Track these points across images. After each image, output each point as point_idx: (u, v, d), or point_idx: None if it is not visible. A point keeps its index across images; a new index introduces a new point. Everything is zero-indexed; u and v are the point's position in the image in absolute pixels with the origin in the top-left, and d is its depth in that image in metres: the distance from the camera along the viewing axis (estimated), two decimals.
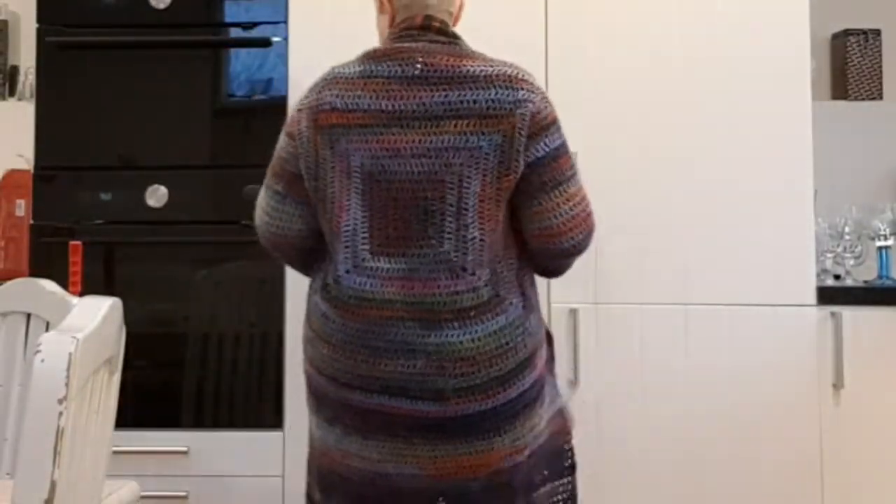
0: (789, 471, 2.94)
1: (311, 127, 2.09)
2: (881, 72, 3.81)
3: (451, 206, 2.03)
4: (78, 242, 3.01)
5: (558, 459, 2.22)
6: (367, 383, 2.02)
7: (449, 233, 2.03)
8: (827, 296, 3.00)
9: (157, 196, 3.04)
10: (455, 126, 2.03)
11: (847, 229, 3.19)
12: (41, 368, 1.35)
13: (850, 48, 3.82)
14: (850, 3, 3.84)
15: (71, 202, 3.05)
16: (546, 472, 2.18)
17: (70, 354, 1.36)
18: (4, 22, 3.84)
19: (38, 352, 1.36)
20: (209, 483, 2.96)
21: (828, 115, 3.54)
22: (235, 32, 3.14)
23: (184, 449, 2.96)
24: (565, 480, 2.24)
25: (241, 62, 3.12)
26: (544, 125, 2.10)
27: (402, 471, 2.04)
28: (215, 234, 3.03)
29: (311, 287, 2.17)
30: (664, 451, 2.96)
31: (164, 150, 3.07)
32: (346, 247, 2.04)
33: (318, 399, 2.12)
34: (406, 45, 2.12)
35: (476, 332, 2.02)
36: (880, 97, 3.81)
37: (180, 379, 3.01)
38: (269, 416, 2.99)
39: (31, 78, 3.59)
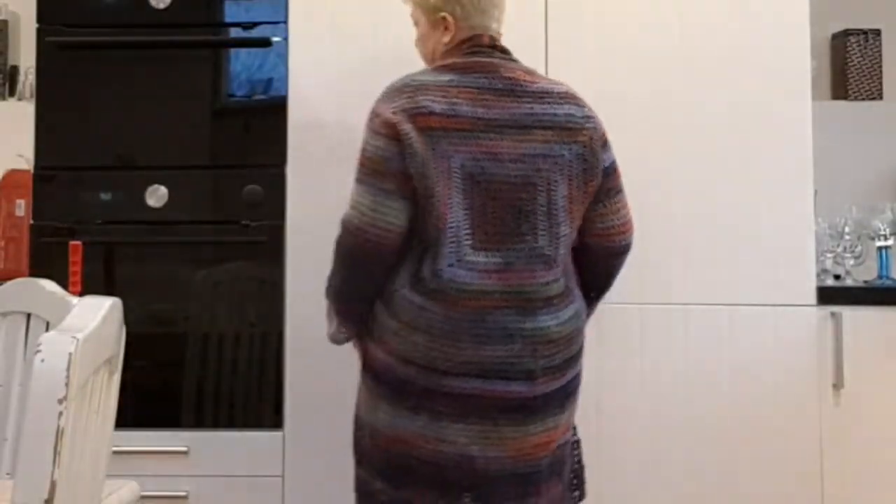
0: (789, 470, 2.94)
1: (414, 129, 2.23)
2: (881, 72, 3.82)
3: (542, 206, 2.29)
4: (78, 242, 3.01)
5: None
6: (467, 369, 2.22)
7: (542, 230, 2.28)
8: (827, 296, 3.00)
9: (157, 196, 3.04)
10: (541, 136, 2.30)
11: (847, 229, 3.19)
12: (41, 368, 1.35)
13: (850, 48, 3.82)
14: (850, 4, 3.84)
15: (71, 202, 3.05)
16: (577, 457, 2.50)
17: (70, 354, 1.36)
18: (4, 22, 3.84)
19: (38, 352, 1.36)
20: (209, 483, 2.96)
21: (828, 115, 3.54)
22: (235, 32, 3.14)
23: (184, 449, 2.96)
24: (578, 452, 2.51)
25: (241, 62, 3.12)
26: (605, 140, 2.42)
27: (486, 453, 2.23)
28: (215, 234, 3.04)
29: (392, 284, 2.28)
30: (664, 451, 2.96)
31: (164, 150, 3.07)
32: (452, 242, 2.23)
33: (397, 388, 2.26)
34: (485, 59, 2.36)
35: (560, 317, 2.29)
36: (880, 97, 3.81)
37: (180, 379, 3.01)
38: (268, 416, 2.99)
39: (31, 78, 3.60)
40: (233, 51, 3.12)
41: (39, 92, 3.09)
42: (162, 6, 3.08)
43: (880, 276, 3.20)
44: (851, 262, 3.20)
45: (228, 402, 3.01)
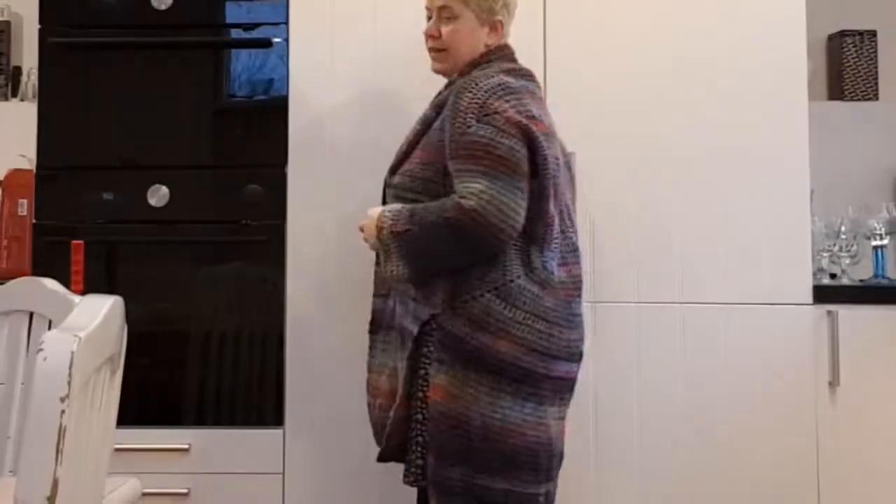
0: (785, 468, 2.95)
1: (537, 131, 2.37)
2: (877, 72, 3.82)
3: (573, 203, 2.56)
4: (80, 242, 3.02)
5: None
6: (567, 353, 2.40)
7: (576, 224, 2.53)
8: (823, 295, 3.01)
9: (158, 196, 3.05)
10: (559, 140, 2.54)
11: (843, 228, 3.19)
12: (43, 367, 1.36)
13: (846, 49, 3.83)
14: (847, 5, 3.85)
15: (73, 202, 3.06)
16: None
17: (72, 353, 1.37)
18: (7, 23, 3.85)
19: (40, 350, 1.37)
20: (210, 480, 2.97)
21: (824, 115, 3.55)
22: (236, 33, 3.15)
23: (185, 446, 2.97)
24: None
25: (241, 63, 3.13)
26: None
27: (559, 434, 2.43)
28: (216, 233, 3.05)
29: (504, 275, 2.35)
30: (661, 449, 2.97)
31: (165, 150, 3.08)
32: (555, 238, 2.40)
33: (519, 379, 2.34)
34: (526, 68, 2.57)
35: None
36: (876, 98, 3.81)
37: (181, 377, 3.02)
38: (269, 413, 3.00)
39: (34, 78, 3.61)
40: (234, 51, 3.13)
41: (42, 92, 3.10)
42: (163, 7, 3.09)
43: (876, 276, 3.21)
44: (847, 261, 3.20)
45: (229, 400, 3.02)
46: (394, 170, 2.55)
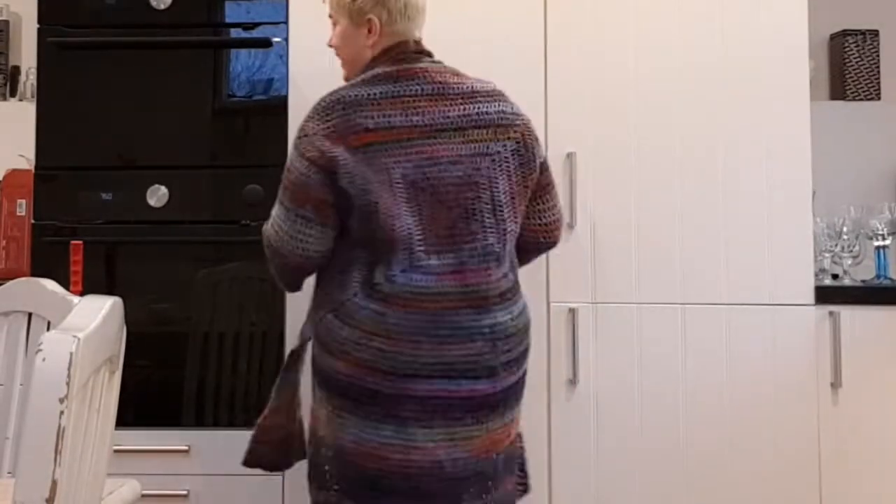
0: (787, 469, 2.95)
1: (347, 149, 2.27)
2: (879, 72, 3.82)
3: (487, 204, 2.32)
4: (79, 242, 3.01)
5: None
6: (431, 370, 2.23)
7: (490, 227, 2.31)
8: (825, 295, 3.00)
9: (157, 196, 3.05)
10: (477, 135, 2.33)
11: (845, 229, 3.19)
12: (42, 367, 1.35)
13: (848, 49, 3.83)
14: (849, 4, 3.85)
15: (72, 202, 3.05)
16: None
17: (71, 354, 1.37)
18: (6, 22, 3.85)
19: (39, 351, 1.36)
20: (210, 482, 2.96)
21: (826, 115, 3.55)
22: (236, 33, 3.14)
23: (185, 448, 2.97)
24: (521, 444, 2.52)
25: (241, 62, 3.12)
26: (536, 135, 2.46)
27: (452, 455, 2.25)
28: (215, 234, 3.04)
29: (343, 294, 2.29)
30: (662, 450, 2.96)
31: (164, 150, 3.08)
32: (404, 249, 2.25)
33: (364, 401, 2.25)
34: (414, 65, 2.38)
35: (513, 311, 2.34)
36: (878, 97, 3.81)
37: (181, 378, 3.02)
38: None
39: (33, 78, 3.61)
40: (233, 51, 3.13)
41: (40, 92, 3.10)
42: (162, 7, 3.09)
43: (878, 276, 3.20)
44: (849, 261, 3.20)
45: (229, 401, 3.01)
46: None
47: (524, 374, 2.40)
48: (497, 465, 2.33)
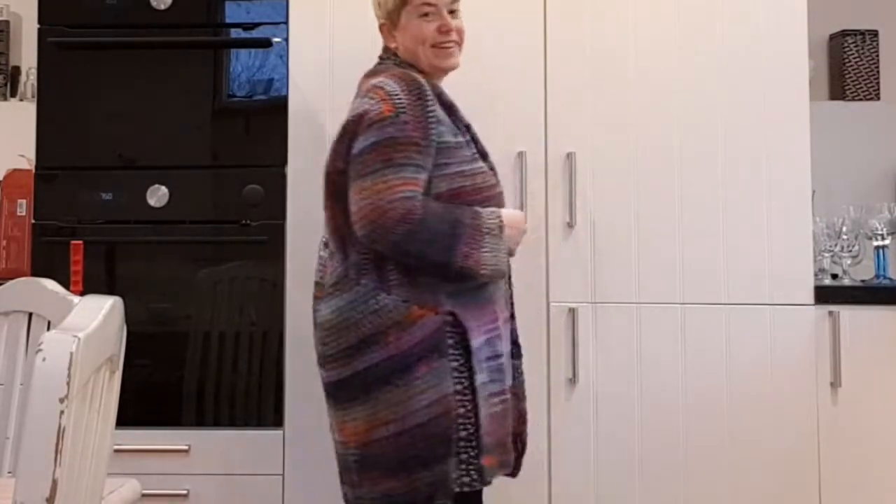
0: (787, 468, 2.95)
1: None
2: (878, 72, 3.82)
3: (327, 198, 2.44)
4: (79, 242, 3.01)
5: (441, 444, 2.29)
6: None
7: (327, 218, 2.45)
8: (824, 295, 3.01)
9: (157, 196, 3.05)
10: (340, 130, 2.41)
11: (844, 229, 3.19)
12: (42, 367, 1.35)
13: (847, 49, 3.83)
14: (848, 4, 3.85)
15: (72, 202, 3.05)
16: (424, 454, 2.29)
17: (71, 353, 1.36)
18: (6, 23, 3.85)
19: (39, 351, 1.36)
20: (210, 481, 2.97)
21: (825, 115, 3.56)
22: (236, 33, 3.14)
23: (185, 447, 2.97)
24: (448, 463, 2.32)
25: (241, 62, 3.12)
26: (366, 125, 2.32)
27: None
28: (215, 233, 3.04)
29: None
30: (662, 450, 2.96)
31: (165, 150, 3.08)
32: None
33: None
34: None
35: (331, 305, 2.35)
36: (877, 97, 3.81)
37: (181, 378, 3.02)
38: (269, 414, 3.00)
39: (33, 78, 3.61)
40: (233, 51, 3.13)
41: (41, 92, 3.10)
42: (163, 7, 3.09)
43: (877, 276, 3.20)
44: (849, 261, 3.20)
45: (229, 400, 3.01)
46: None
47: (354, 375, 2.32)
48: (349, 462, 2.36)
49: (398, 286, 2.31)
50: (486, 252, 2.30)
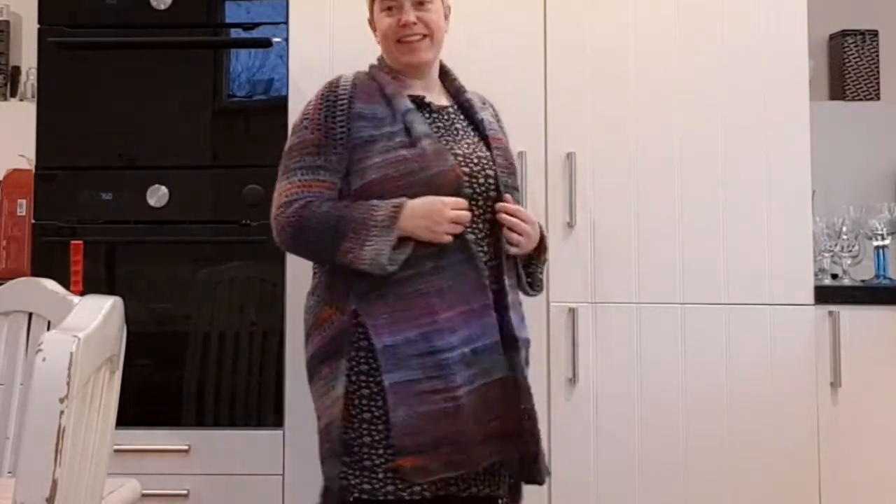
0: (787, 469, 2.95)
1: None
2: (878, 72, 3.82)
3: None
4: (79, 242, 3.01)
5: (334, 448, 2.32)
6: None
7: None
8: (824, 295, 3.01)
9: (157, 196, 3.05)
10: None
11: (844, 229, 3.19)
12: (42, 367, 1.35)
13: (847, 49, 3.83)
14: (848, 4, 3.85)
15: (72, 202, 3.05)
16: (326, 455, 2.35)
17: (71, 353, 1.36)
18: (6, 23, 3.85)
19: (39, 351, 1.36)
20: (210, 481, 2.97)
21: (825, 115, 3.56)
22: (236, 33, 3.14)
23: (185, 447, 2.97)
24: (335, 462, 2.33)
25: (241, 62, 3.12)
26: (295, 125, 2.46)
27: None
28: (216, 233, 3.04)
29: None
30: (662, 450, 2.96)
31: (165, 150, 3.08)
32: None
33: None
34: None
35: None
36: (877, 97, 3.81)
37: (181, 378, 3.02)
38: (269, 414, 3.00)
39: (33, 78, 3.61)
40: (233, 51, 3.13)
41: (41, 92, 3.10)
42: (163, 7, 3.09)
43: (877, 276, 3.21)
44: (849, 261, 3.20)
45: (229, 400, 3.01)
46: (484, 163, 2.39)
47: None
48: None
49: (320, 287, 2.39)
50: (368, 246, 2.24)
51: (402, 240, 2.25)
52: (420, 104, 2.40)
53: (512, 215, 2.34)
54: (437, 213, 2.25)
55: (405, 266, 2.26)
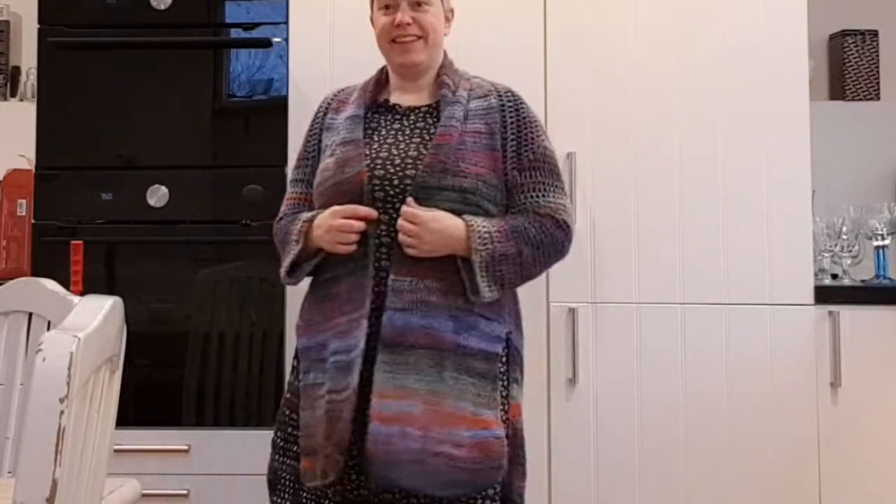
0: (787, 469, 2.95)
1: None
2: (878, 72, 3.82)
3: None
4: (79, 242, 3.01)
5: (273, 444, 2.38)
6: None
7: None
8: (824, 295, 3.01)
9: (157, 196, 3.05)
10: None
11: (844, 229, 3.19)
12: (42, 367, 1.35)
13: (847, 49, 3.83)
14: (848, 4, 3.85)
15: (72, 202, 3.06)
16: None
17: (71, 353, 1.36)
18: (6, 23, 3.85)
19: (39, 351, 1.36)
20: (210, 481, 2.97)
21: (825, 115, 3.55)
22: (236, 33, 3.14)
23: (185, 447, 2.97)
24: None
25: (241, 62, 3.12)
26: None
27: None
28: (215, 233, 3.05)
29: None
30: (662, 449, 2.96)
31: (164, 150, 3.08)
32: None
33: None
34: None
35: None
36: (877, 97, 3.81)
37: (181, 378, 3.02)
38: (269, 414, 2.99)
39: (33, 78, 3.61)
40: (233, 51, 3.13)
41: (41, 92, 3.10)
42: (163, 7, 3.09)
43: (877, 276, 3.20)
44: (849, 261, 3.20)
45: (229, 400, 3.01)
46: (430, 167, 2.22)
47: None
48: None
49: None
50: (284, 260, 2.35)
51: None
52: (386, 107, 2.36)
53: (406, 218, 2.18)
54: (325, 223, 2.23)
55: (322, 272, 2.29)
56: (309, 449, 2.18)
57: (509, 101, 2.35)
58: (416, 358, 2.14)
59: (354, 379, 2.12)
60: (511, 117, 2.32)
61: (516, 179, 2.26)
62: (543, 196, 2.26)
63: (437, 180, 2.21)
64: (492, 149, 2.27)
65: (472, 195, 2.22)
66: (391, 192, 2.21)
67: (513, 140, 2.29)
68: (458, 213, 2.19)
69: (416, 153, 2.25)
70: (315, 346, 2.24)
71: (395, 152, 2.26)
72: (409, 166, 2.23)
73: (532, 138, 2.30)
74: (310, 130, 2.42)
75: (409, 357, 2.14)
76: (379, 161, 2.24)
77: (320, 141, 2.37)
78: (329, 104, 2.42)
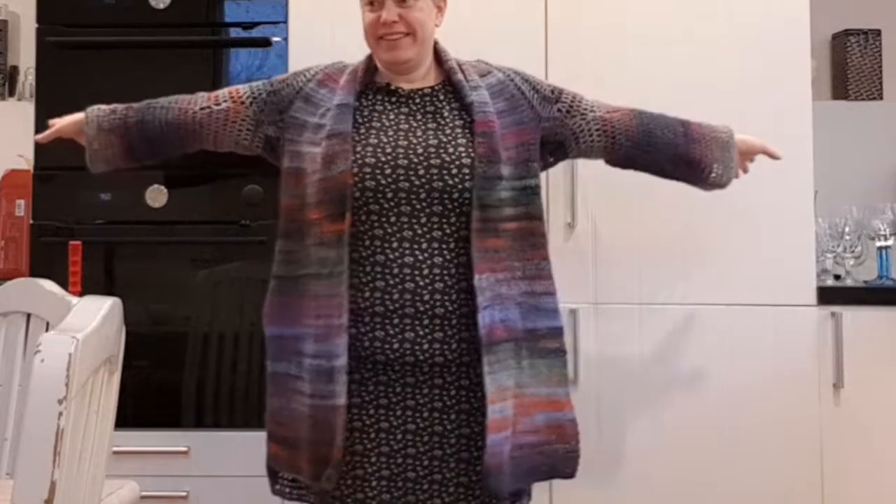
0: (789, 470, 2.94)
1: None
2: (881, 72, 3.82)
3: None
4: (78, 242, 3.01)
5: None
6: None
7: None
8: (827, 296, 3.00)
9: (157, 196, 3.04)
10: None
11: (847, 229, 3.19)
12: (41, 368, 1.35)
13: (850, 48, 3.82)
14: (851, 4, 3.85)
15: (71, 202, 3.05)
16: None
17: (70, 354, 1.36)
18: (4, 22, 3.84)
19: (37, 352, 1.36)
20: (209, 483, 2.96)
21: (828, 115, 3.55)
22: (235, 32, 3.14)
23: (184, 449, 2.96)
24: None
25: (240, 62, 3.12)
26: None
27: None
28: (215, 234, 3.04)
29: None
30: (664, 451, 2.96)
31: None
32: None
33: None
34: None
35: None
36: (880, 97, 3.81)
37: (180, 379, 3.01)
38: None
39: (31, 78, 3.60)
40: (233, 51, 3.12)
41: (39, 92, 3.09)
42: (162, 6, 3.08)
43: (880, 277, 3.20)
44: (851, 262, 3.20)
45: (228, 402, 3.01)
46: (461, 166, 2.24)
47: None
48: None
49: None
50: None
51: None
52: (387, 91, 2.35)
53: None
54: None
55: (293, 267, 2.31)
56: (283, 440, 2.23)
57: (509, 70, 2.43)
58: (503, 353, 2.21)
59: (341, 391, 2.14)
60: (522, 85, 2.41)
61: (566, 122, 2.44)
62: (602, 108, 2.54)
63: (497, 170, 2.25)
64: (517, 123, 2.33)
65: (518, 181, 2.29)
66: (416, 183, 2.23)
67: (537, 100, 2.40)
68: (516, 202, 2.28)
69: (434, 141, 2.26)
70: (288, 337, 2.24)
71: (414, 140, 2.27)
72: (433, 155, 2.24)
73: (547, 85, 2.45)
74: (285, 78, 2.45)
75: (498, 354, 2.21)
76: (401, 150, 2.25)
77: (290, 103, 2.38)
78: (316, 75, 2.42)
